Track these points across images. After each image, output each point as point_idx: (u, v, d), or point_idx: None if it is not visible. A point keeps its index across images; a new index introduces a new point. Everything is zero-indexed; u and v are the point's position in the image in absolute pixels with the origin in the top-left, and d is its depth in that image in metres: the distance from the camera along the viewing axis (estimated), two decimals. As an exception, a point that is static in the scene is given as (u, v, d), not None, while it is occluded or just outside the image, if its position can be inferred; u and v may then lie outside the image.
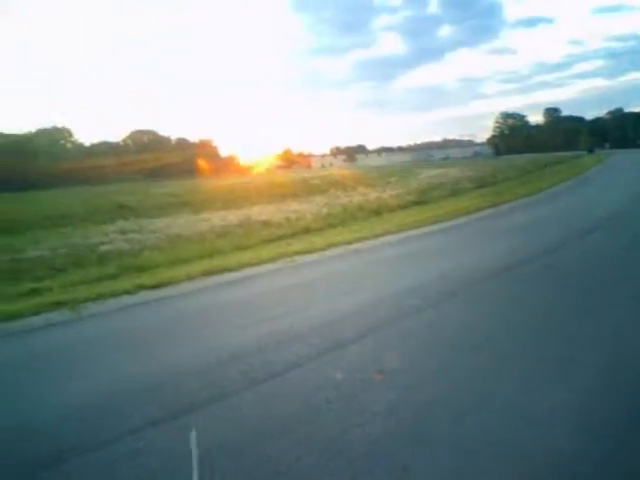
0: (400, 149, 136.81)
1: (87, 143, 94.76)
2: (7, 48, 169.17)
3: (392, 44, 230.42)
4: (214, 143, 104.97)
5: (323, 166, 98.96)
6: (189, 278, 9.27)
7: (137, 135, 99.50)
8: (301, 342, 5.50)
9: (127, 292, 8.41)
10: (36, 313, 7.34)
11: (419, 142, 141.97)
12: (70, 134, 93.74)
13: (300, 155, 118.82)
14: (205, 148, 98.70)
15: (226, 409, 4.15)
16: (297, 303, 7.17)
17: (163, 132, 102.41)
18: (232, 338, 5.85)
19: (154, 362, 5.33)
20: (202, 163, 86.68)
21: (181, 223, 17.99)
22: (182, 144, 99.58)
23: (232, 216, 18.91)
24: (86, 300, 7.92)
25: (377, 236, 13.16)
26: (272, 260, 10.66)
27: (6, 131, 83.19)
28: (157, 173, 79.55)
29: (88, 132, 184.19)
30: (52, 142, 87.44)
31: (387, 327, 5.87)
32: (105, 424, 4.02)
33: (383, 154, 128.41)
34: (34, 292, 8.68)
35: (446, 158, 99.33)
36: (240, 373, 4.80)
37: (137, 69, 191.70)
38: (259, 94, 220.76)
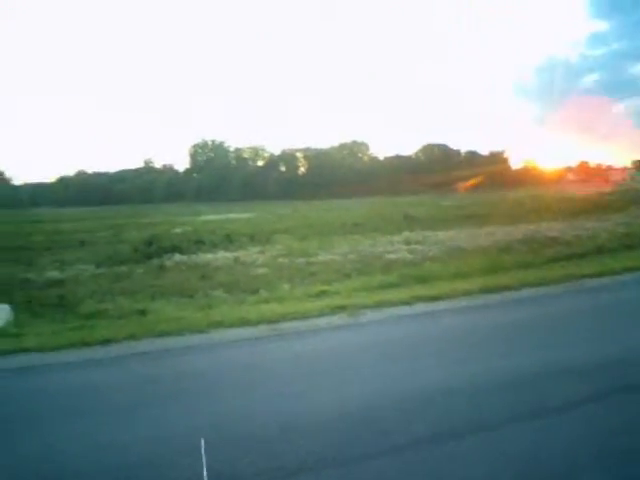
0: None
1: (381, 156, 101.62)
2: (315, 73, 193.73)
3: None
4: (505, 155, 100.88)
5: (624, 180, 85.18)
6: (466, 293, 8.92)
7: (428, 149, 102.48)
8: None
9: (405, 302, 8.44)
10: (320, 315, 7.90)
11: None
12: (367, 147, 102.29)
13: (597, 168, 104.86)
14: (495, 161, 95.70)
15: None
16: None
17: (453, 145, 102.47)
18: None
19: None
20: (491, 176, 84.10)
21: (463, 236, 17.64)
22: (471, 157, 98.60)
23: (517, 231, 17.76)
24: (365, 307, 8.19)
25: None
26: (557, 281, 9.67)
27: (313, 145, 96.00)
28: (446, 186, 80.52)
29: (383, 146, 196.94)
30: (352, 155, 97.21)
31: None
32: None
33: None
34: (322, 294, 9.43)
35: None
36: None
37: (423, 83, 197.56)
38: (551, 104, 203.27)
